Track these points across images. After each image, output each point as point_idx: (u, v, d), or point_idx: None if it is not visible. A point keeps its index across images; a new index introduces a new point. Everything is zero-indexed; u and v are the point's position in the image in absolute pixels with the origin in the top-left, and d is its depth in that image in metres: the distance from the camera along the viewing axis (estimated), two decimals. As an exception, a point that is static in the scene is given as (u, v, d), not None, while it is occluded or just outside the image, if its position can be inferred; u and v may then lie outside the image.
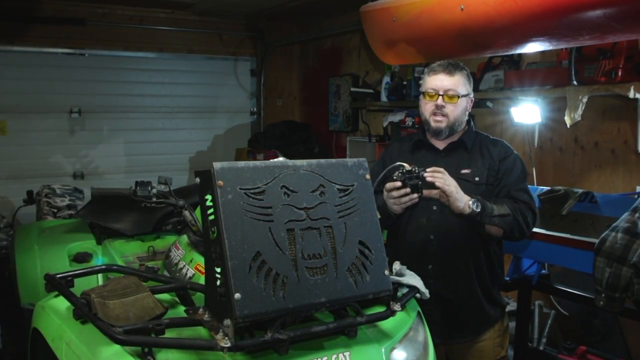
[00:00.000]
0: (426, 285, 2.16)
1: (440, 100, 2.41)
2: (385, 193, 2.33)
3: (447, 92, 2.41)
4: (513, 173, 2.45)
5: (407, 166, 2.25)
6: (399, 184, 2.24)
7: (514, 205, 2.35)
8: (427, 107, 2.47)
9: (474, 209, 2.26)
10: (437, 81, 2.43)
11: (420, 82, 2.55)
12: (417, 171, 2.23)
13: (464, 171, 2.45)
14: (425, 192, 2.26)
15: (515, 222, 2.34)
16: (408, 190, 2.23)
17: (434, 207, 2.44)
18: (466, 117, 2.51)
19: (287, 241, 1.63)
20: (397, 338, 1.95)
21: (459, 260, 2.45)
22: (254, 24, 6.80)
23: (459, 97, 2.41)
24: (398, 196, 2.26)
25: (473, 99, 2.53)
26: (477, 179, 2.43)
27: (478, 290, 2.48)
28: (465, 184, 2.38)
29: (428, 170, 2.24)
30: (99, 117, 6.19)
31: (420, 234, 2.47)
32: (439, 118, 2.43)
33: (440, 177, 2.23)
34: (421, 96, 2.50)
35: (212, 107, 6.84)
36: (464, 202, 2.25)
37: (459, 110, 2.43)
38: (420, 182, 2.23)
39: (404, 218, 2.51)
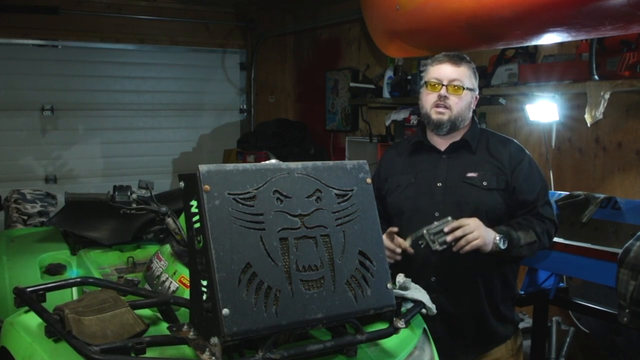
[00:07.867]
0: (429, 299, 2.17)
1: (443, 91, 2.43)
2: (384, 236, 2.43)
3: (451, 82, 2.43)
4: (535, 183, 2.47)
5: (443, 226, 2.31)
6: (406, 244, 2.37)
7: (541, 226, 2.41)
8: (428, 98, 2.48)
9: (501, 246, 2.30)
10: (442, 71, 2.45)
11: (422, 74, 2.57)
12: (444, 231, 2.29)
13: (469, 174, 2.46)
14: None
15: (541, 246, 2.42)
16: (399, 258, 2.38)
17: (436, 214, 2.46)
18: (470, 115, 2.53)
19: (280, 251, 1.63)
20: (401, 358, 1.94)
21: (465, 272, 2.46)
22: (243, 13, 6.81)
23: (464, 89, 2.43)
24: (391, 252, 2.37)
25: (478, 96, 2.55)
26: (484, 183, 2.44)
27: (485, 304, 2.49)
28: (473, 189, 2.40)
29: (447, 229, 2.28)
30: (73, 115, 6.19)
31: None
32: (441, 110, 2.45)
33: (463, 244, 2.28)
34: (423, 87, 2.52)
35: (197, 104, 6.85)
36: (490, 244, 2.30)
37: (463, 103, 2.45)
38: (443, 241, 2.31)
39: (403, 228, 2.52)
